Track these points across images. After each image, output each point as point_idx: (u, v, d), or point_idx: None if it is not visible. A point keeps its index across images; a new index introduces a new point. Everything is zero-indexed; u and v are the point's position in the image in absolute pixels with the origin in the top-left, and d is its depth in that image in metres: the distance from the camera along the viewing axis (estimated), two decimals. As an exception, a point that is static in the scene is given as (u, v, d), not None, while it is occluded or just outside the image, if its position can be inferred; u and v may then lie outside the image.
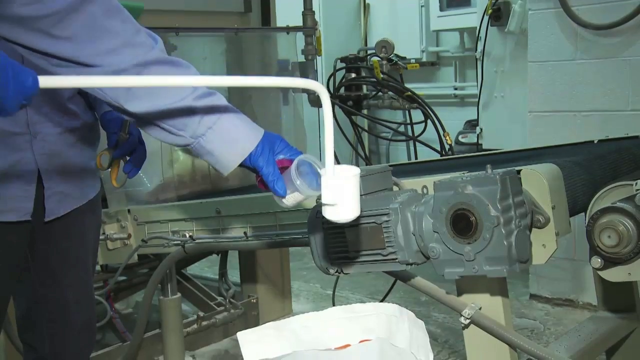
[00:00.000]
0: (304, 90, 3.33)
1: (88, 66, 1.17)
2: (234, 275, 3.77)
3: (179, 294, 3.15)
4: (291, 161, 1.26)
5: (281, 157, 1.28)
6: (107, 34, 1.18)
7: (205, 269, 4.59)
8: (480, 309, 1.61)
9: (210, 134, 1.23)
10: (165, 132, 1.24)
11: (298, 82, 1.21)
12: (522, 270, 1.37)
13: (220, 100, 1.26)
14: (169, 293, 3.10)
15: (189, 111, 1.22)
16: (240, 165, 1.27)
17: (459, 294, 1.66)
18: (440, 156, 3.59)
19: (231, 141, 1.24)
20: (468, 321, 1.61)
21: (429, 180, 1.59)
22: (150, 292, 2.92)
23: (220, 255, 3.49)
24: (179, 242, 2.47)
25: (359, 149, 4.38)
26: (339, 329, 1.31)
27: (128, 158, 1.79)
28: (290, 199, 1.26)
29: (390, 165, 1.66)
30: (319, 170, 1.22)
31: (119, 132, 1.77)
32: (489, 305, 1.61)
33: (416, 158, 3.95)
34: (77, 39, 1.15)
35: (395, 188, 1.61)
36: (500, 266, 1.32)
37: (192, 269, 4.20)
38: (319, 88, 1.15)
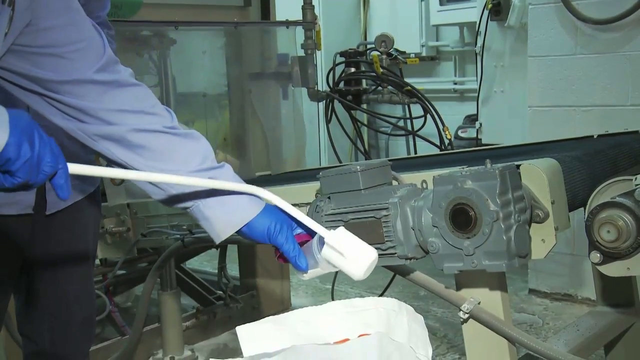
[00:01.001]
0: (304, 84, 3.33)
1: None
2: (233, 269, 3.77)
3: (178, 288, 3.16)
4: (309, 235, 1.27)
5: (299, 231, 1.29)
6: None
7: (204, 263, 4.60)
8: (479, 303, 1.61)
9: (211, 200, 1.23)
10: (165, 192, 1.23)
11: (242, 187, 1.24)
12: (521, 265, 1.37)
13: (228, 171, 1.26)
14: (168, 287, 3.10)
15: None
16: (249, 237, 1.27)
17: (458, 288, 1.66)
18: (440, 151, 3.59)
19: (229, 211, 1.24)
20: (467, 315, 1.61)
21: (428, 175, 1.59)
22: (150, 286, 2.92)
23: (219, 249, 3.49)
24: (178, 235, 2.47)
25: (359, 143, 4.37)
26: (338, 323, 1.31)
27: None
28: (311, 273, 1.28)
29: (390, 160, 1.66)
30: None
31: None
32: (488, 299, 1.61)
33: (415, 153, 3.95)
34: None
35: (394, 182, 1.60)
36: (500, 261, 1.32)
37: (191, 263, 4.21)
38: (260, 193, 1.21)
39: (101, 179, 1.91)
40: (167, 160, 1.20)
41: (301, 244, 1.28)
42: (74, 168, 1.02)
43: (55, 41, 1.12)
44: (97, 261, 3.10)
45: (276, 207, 1.28)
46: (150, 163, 1.19)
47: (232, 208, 1.24)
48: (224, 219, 1.24)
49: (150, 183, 1.22)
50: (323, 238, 1.25)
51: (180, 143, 1.22)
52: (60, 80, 1.14)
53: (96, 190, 1.81)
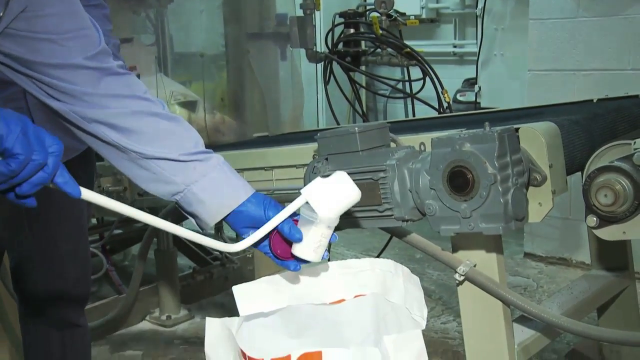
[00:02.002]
0: (302, 45, 3.30)
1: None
2: (230, 230, 3.78)
3: (174, 248, 3.17)
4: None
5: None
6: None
7: (201, 223, 4.61)
8: (475, 266, 1.62)
9: (204, 181, 1.22)
10: (156, 177, 1.21)
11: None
12: (517, 228, 1.37)
13: (217, 156, 1.26)
14: (164, 246, 3.11)
15: (185, 160, 1.21)
16: (240, 219, 1.25)
17: (454, 250, 1.66)
18: (438, 114, 3.57)
19: (224, 191, 1.23)
20: (462, 278, 1.62)
21: (426, 137, 1.59)
22: (146, 246, 2.93)
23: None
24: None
25: (357, 105, 4.35)
26: (334, 284, 1.32)
27: None
28: (319, 251, 1.22)
29: (388, 122, 1.65)
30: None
31: None
32: (484, 262, 1.62)
33: (414, 116, 3.93)
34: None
35: (392, 145, 1.60)
36: (496, 224, 1.32)
37: (188, 224, 4.21)
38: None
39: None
40: (161, 144, 1.20)
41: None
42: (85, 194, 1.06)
43: (50, 28, 1.12)
44: (94, 220, 3.11)
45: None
46: (143, 146, 1.19)
47: (227, 189, 1.23)
48: (219, 200, 1.23)
49: (140, 166, 1.21)
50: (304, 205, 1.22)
51: (173, 127, 1.22)
52: (53, 64, 1.13)
53: (90, 148, 1.81)
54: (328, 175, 1.20)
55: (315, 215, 1.19)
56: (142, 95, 1.21)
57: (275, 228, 1.22)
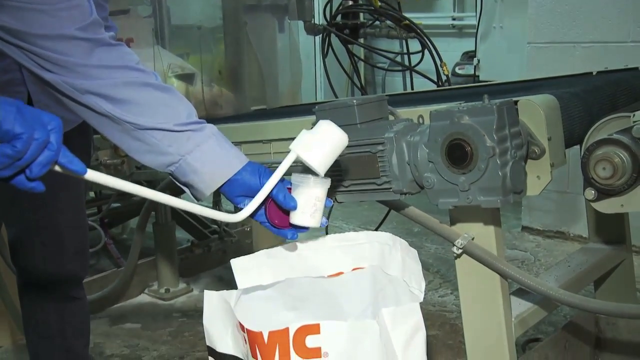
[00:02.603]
0: (300, 17, 3.28)
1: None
2: (228, 203, 3.78)
3: (172, 221, 3.17)
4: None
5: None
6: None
7: (199, 197, 4.61)
8: (473, 239, 1.62)
9: (198, 152, 1.21)
10: (150, 149, 1.21)
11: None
12: (515, 201, 1.37)
13: (211, 126, 1.25)
14: (163, 220, 3.12)
15: (179, 131, 1.20)
16: (235, 188, 1.24)
17: (452, 224, 1.66)
18: (437, 87, 3.56)
19: (219, 160, 1.23)
20: (460, 251, 1.62)
21: (425, 110, 1.58)
22: (144, 219, 2.94)
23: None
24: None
25: (355, 78, 4.33)
26: (332, 257, 1.32)
27: None
28: (316, 216, 1.23)
29: (387, 95, 1.65)
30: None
31: None
32: (482, 235, 1.62)
33: (412, 89, 3.92)
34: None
35: (391, 118, 1.59)
36: (495, 197, 1.32)
37: (186, 197, 4.22)
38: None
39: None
40: (154, 115, 1.19)
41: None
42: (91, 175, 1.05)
43: None
44: (92, 194, 3.11)
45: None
46: (138, 117, 1.18)
47: (221, 158, 1.23)
48: (213, 169, 1.23)
49: (134, 138, 1.20)
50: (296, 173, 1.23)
51: (166, 97, 1.22)
52: (44, 35, 1.12)
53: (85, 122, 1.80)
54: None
55: (306, 178, 1.20)
56: (134, 65, 1.21)
57: (270, 196, 1.22)
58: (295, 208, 1.21)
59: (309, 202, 1.21)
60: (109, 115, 1.19)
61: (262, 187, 1.21)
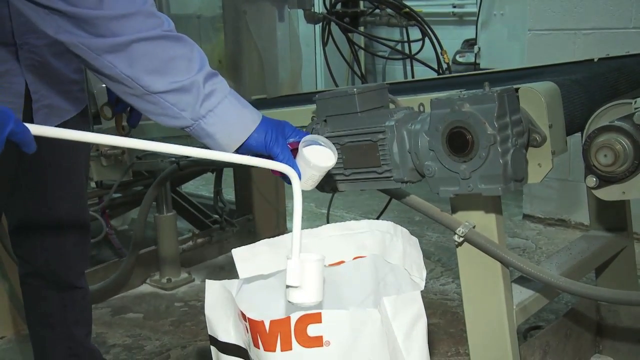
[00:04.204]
0: (300, 5, 3.27)
1: (86, 26, 1.14)
2: (229, 193, 3.79)
3: (174, 211, 3.18)
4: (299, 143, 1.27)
5: (291, 140, 1.29)
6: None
7: (200, 187, 4.61)
8: (474, 227, 1.62)
9: (212, 117, 1.22)
10: (164, 112, 1.22)
11: (273, 164, 1.24)
12: (516, 189, 1.37)
13: (222, 82, 1.25)
14: (164, 210, 3.12)
15: (193, 91, 1.20)
16: (249, 150, 1.26)
17: (453, 212, 1.66)
18: (438, 75, 3.55)
19: (232, 124, 1.24)
20: (462, 239, 1.62)
21: (425, 98, 1.58)
22: (146, 209, 2.94)
23: (215, 173, 3.50)
24: (174, 158, 2.46)
25: (355, 67, 4.32)
26: (333, 246, 1.32)
27: (129, 109, 1.83)
28: (309, 183, 1.27)
29: (387, 83, 1.64)
30: (325, 147, 1.27)
31: None
32: (483, 223, 1.62)
33: (413, 77, 3.91)
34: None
35: (391, 106, 1.59)
36: (496, 185, 1.32)
37: (187, 187, 4.21)
38: (291, 172, 1.21)
39: (92, 98, 1.91)
40: (169, 70, 1.19)
41: (293, 150, 1.28)
42: (35, 129, 1.02)
43: None
44: (93, 184, 3.11)
45: (273, 119, 1.29)
46: (152, 77, 1.18)
47: (234, 122, 1.24)
48: (227, 134, 1.24)
49: (147, 102, 1.21)
50: (308, 142, 1.27)
51: (180, 49, 1.21)
52: None
53: (85, 109, 1.80)
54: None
55: (307, 157, 1.24)
56: (146, 9, 1.19)
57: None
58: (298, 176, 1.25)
59: (306, 173, 1.25)
60: (124, 79, 1.18)
61: (267, 152, 1.26)
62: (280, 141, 1.26)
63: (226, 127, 1.24)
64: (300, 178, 1.24)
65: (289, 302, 1.16)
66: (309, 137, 1.27)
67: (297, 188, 1.20)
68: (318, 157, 1.25)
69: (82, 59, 1.18)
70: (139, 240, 2.98)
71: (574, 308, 2.08)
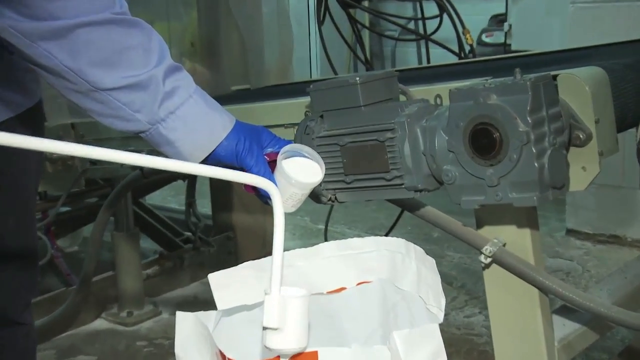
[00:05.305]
0: None
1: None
2: (204, 205, 3.80)
3: (136, 229, 3.19)
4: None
5: (269, 150, 1.30)
6: None
7: (168, 198, 4.63)
8: (504, 245, 1.63)
9: (173, 120, 1.23)
10: (114, 113, 1.22)
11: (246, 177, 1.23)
12: (556, 198, 1.38)
13: (187, 79, 1.26)
14: (124, 227, 3.13)
15: (151, 88, 1.21)
16: (218, 161, 1.27)
17: (479, 227, 1.67)
18: (459, 59, 3.57)
19: (198, 130, 1.25)
20: (489, 260, 1.63)
21: (444, 88, 1.59)
22: (101, 226, 2.95)
23: (187, 180, 3.51)
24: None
25: (358, 50, 4.34)
26: (332, 269, 1.33)
27: None
28: (289, 202, 1.28)
29: (397, 70, 1.65)
30: (310, 159, 1.31)
31: None
32: (515, 240, 1.63)
33: (428, 62, 3.93)
34: None
35: (402, 98, 1.60)
36: (530, 193, 1.33)
37: (153, 198, 4.23)
38: (269, 186, 1.18)
39: (40, 92, 1.91)
40: (119, 63, 1.19)
41: (271, 163, 1.29)
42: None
43: None
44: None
45: (249, 124, 1.31)
46: (99, 71, 1.18)
47: (201, 127, 1.25)
48: (191, 141, 1.25)
49: (94, 100, 1.21)
50: (289, 153, 1.30)
51: (135, 36, 1.21)
52: None
53: (37, 105, 1.80)
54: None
55: (288, 174, 1.27)
56: None
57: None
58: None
59: (286, 191, 1.27)
60: (64, 72, 1.19)
61: (238, 163, 1.28)
62: (255, 151, 1.27)
63: (190, 134, 1.24)
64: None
65: (266, 347, 1.17)
66: (289, 146, 1.29)
67: (278, 205, 1.19)
68: (301, 171, 1.26)
69: (16, 47, 1.18)
70: (92, 265, 2.99)
71: (632, 345, 2.09)
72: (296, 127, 1.56)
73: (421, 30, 4.04)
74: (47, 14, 1.15)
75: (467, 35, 3.66)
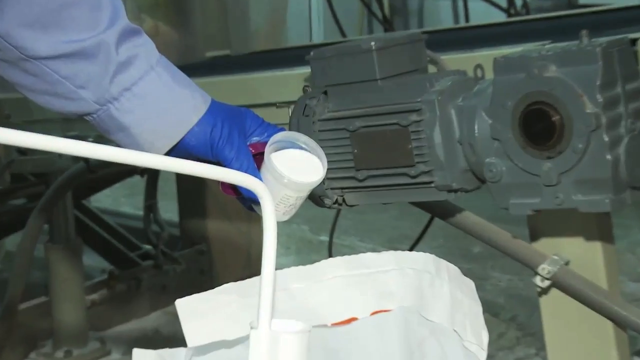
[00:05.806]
0: None
1: None
2: (169, 210, 3.81)
3: (78, 239, 3.19)
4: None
5: (255, 139, 1.31)
6: None
7: (121, 199, 4.63)
8: (567, 263, 1.65)
9: (128, 100, 1.24)
10: (51, 89, 1.23)
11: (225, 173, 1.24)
12: (636, 201, 1.39)
13: (148, 45, 1.27)
14: (62, 238, 3.14)
15: (100, 57, 1.21)
16: (188, 153, 1.28)
17: (534, 239, 1.68)
18: (507, 17, 3.59)
19: (161, 112, 1.26)
20: (547, 283, 1.64)
21: (486, 56, 1.60)
22: (32, 237, 2.96)
23: (146, 176, 3.50)
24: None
25: (374, 5, 4.35)
26: (339, 293, 1.34)
27: None
28: (280, 208, 1.29)
29: (424, 32, 1.66)
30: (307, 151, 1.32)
31: None
32: (582, 258, 1.64)
33: (467, 20, 3.94)
34: None
35: (432, 69, 1.61)
36: (601, 194, 1.34)
37: (102, 200, 4.24)
38: (256, 184, 1.17)
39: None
40: (62, 24, 1.20)
41: (257, 156, 1.30)
42: None
43: None
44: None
45: (230, 106, 1.32)
46: (31, 33, 1.19)
47: (165, 108, 1.26)
48: (152, 127, 1.26)
49: (26, 71, 1.22)
50: (280, 144, 1.30)
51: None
52: None
53: None
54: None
55: (280, 172, 1.27)
56: None
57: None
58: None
59: (276, 193, 1.28)
60: None
61: (213, 158, 1.28)
62: (236, 140, 1.27)
63: (151, 117, 1.25)
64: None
65: None
66: (281, 135, 1.29)
67: (269, 209, 1.18)
68: (296, 167, 1.27)
69: None
70: (18, 288, 3.00)
71: None
72: (291, 106, 1.57)
73: (457, -22, 4.05)
74: None
75: (519, -15, 3.68)
